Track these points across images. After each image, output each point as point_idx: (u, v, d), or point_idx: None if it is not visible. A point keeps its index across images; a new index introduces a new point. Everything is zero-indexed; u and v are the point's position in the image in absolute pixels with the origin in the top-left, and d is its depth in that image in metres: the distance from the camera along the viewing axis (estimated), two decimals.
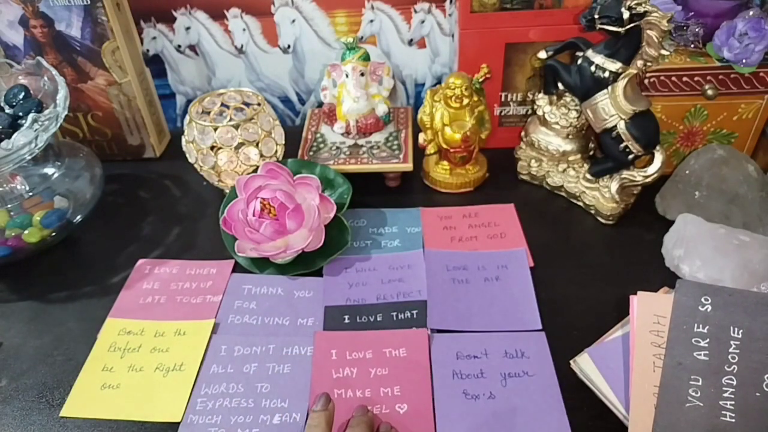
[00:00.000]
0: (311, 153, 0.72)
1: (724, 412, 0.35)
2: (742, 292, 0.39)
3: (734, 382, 0.36)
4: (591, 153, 0.72)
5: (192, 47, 0.84)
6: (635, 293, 0.53)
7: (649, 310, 0.44)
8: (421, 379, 0.51)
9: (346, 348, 0.54)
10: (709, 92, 0.64)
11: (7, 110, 0.65)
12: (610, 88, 0.60)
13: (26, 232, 0.62)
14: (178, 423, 0.49)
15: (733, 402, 0.36)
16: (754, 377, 0.36)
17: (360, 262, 0.63)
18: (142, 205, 0.75)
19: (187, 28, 0.82)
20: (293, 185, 0.61)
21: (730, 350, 0.37)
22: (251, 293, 0.61)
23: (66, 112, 0.62)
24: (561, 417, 0.48)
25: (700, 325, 0.38)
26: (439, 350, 0.53)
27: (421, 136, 0.72)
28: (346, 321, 0.57)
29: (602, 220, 0.67)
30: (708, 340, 0.38)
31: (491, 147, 0.75)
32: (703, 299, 0.38)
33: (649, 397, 0.41)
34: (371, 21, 0.81)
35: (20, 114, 0.64)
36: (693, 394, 0.37)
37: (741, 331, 0.37)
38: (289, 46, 0.84)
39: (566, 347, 0.52)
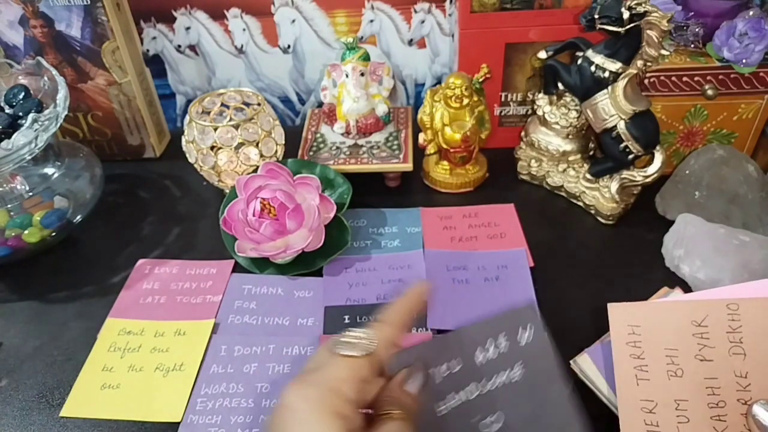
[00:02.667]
0: (311, 153, 0.72)
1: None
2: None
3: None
4: (591, 153, 0.72)
5: (192, 47, 0.84)
6: (635, 293, 0.53)
7: (623, 321, 0.43)
8: None
9: None
10: (709, 92, 0.64)
11: (7, 110, 0.65)
12: (610, 88, 0.61)
13: (26, 232, 0.62)
14: (178, 423, 0.49)
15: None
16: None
17: (360, 262, 0.63)
18: (142, 205, 0.75)
19: (187, 28, 0.82)
20: (293, 185, 0.61)
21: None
22: (251, 293, 0.61)
23: (66, 112, 0.62)
24: None
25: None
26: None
27: (421, 136, 0.72)
28: (346, 321, 0.57)
29: (602, 220, 0.67)
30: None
31: (491, 147, 0.75)
32: None
33: (638, 412, 0.41)
34: (371, 21, 0.81)
35: (20, 114, 0.64)
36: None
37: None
38: (289, 46, 0.84)
39: (566, 347, 0.52)
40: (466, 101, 0.68)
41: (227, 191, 0.68)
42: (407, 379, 0.34)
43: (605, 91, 0.61)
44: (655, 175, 0.63)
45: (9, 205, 0.62)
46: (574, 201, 0.70)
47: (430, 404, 0.35)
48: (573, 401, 0.34)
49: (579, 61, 0.63)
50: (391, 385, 0.35)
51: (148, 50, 0.84)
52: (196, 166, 0.68)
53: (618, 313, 0.44)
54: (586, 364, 0.49)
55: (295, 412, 0.31)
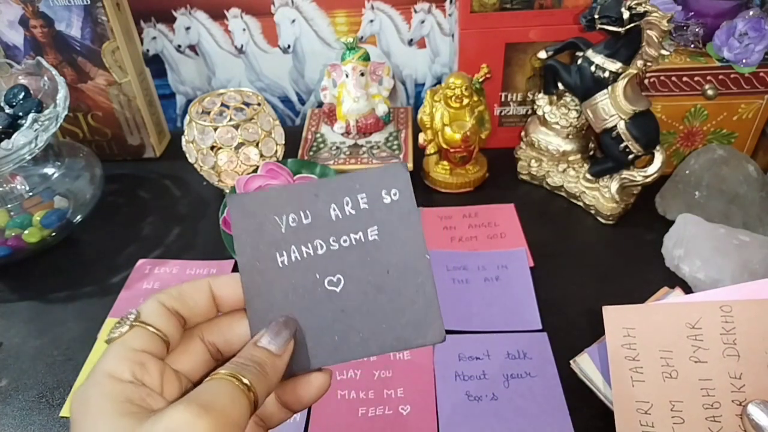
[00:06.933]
0: (311, 153, 0.72)
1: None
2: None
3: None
4: (591, 153, 0.72)
5: (192, 47, 0.84)
6: (635, 293, 0.53)
7: (618, 324, 0.44)
8: (424, 381, 0.51)
9: None
10: (709, 92, 0.64)
11: (7, 110, 0.65)
12: (610, 88, 0.60)
13: (26, 232, 0.62)
14: None
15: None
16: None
17: None
18: (142, 205, 0.75)
19: (187, 28, 0.82)
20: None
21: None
22: None
23: (66, 112, 0.62)
24: (564, 418, 0.48)
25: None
26: (442, 352, 0.53)
27: (421, 136, 0.72)
28: None
29: (602, 220, 0.67)
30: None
31: (491, 147, 0.75)
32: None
33: (633, 413, 0.41)
34: (371, 21, 0.81)
35: (20, 114, 0.64)
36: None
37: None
38: (289, 46, 0.84)
39: (566, 347, 0.52)
40: (466, 101, 0.67)
41: (227, 191, 0.68)
42: (264, 336, 0.31)
43: (605, 91, 0.61)
44: (655, 175, 0.63)
45: (9, 205, 0.62)
46: (574, 201, 0.70)
47: (271, 253, 0.33)
48: (430, 271, 0.32)
49: (579, 61, 0.63)
50: (246, 345, 0.31)
51: (148, 50, 0.84)
52: (196, 166, 0.68)
53: (613, 315, 0.44)
54: (585, 363, 0.49)
55: (79, 424, 0.26)
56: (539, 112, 0.70)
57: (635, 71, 0.59)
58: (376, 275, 0.32)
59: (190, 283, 0.33)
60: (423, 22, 0.81)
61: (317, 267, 0.32)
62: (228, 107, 0.70)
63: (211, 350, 0.32)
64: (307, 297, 0.32)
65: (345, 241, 0.33)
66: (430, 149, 0.72)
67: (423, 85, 0.88)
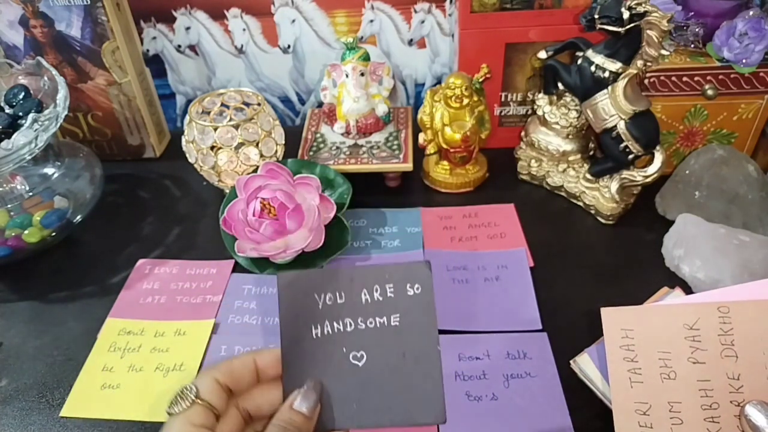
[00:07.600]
0: (311, 153, 0.72)
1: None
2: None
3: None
4: (591, 153, 0.72)
5: (192, 47, 0.84)
6: (635, 293, 0.53)
7: (616, 325, 0.44)
8: None
9: None
10: (709, 92, 0.64)
11: (7, 110, 0.65)
12: (610, 88, 0.60)
13: (26, 232, 0.62)
14: None
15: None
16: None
17: (360, 263, 0.63)
18: (142, 205, 0.75)
19: (187, 28, 0.83)
20: (293, 185, 0.61)
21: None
22: (251, 293, 0.61)
23: (66, 112, 0.62)
24: (564, 418, 0.48)
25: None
26: (442, 352, 0.53)
27: (421, 136, 0.72)
28: None
29: (602, 220, 0.67)
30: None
31: (491, 147, 0.75)
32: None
33: (632, 414, 0.41)
34: (371, 21, 0.81)
35: (20, 114, 0.64)
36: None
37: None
38: (289, 46, 0.84)
39: (566, 347, 0.52)
40: (466, 101, 0.68)
41: (227, 191, 0.68)
42: (297, 399, 0.35)
43: (605, 91, 0.61)
44: (655, 175, 0.63)
45: (9, 205, 0.62)
46: (574, 201, 0.70)
47: (308, 325, 0.37)
48: (439, 360, 0.37)
49: (579, 61, 0.63)
50: (282, 408, 0.35)
51: (148, 50, 0.84)
52: (196, 166, 0.68)
53: (611, 317, 0.44)
54: (585, 364, 0.49)
55: None
56: (539, 112, 0.70)
57: (635, 71, 0.59)
58: (393, 357, 0.37)
59: (239, 359, 0.37)
60: (423, 22, 0.81)
61: (345, 342, 0.37)
62: (228, 107, 0.70)
63: (243, 416, 0.36)
64: (334, 367, 0.37)
65: (371, 323, 0.37)
66: (430, 149, 0.72)
67: (423, 85, 0.88)
